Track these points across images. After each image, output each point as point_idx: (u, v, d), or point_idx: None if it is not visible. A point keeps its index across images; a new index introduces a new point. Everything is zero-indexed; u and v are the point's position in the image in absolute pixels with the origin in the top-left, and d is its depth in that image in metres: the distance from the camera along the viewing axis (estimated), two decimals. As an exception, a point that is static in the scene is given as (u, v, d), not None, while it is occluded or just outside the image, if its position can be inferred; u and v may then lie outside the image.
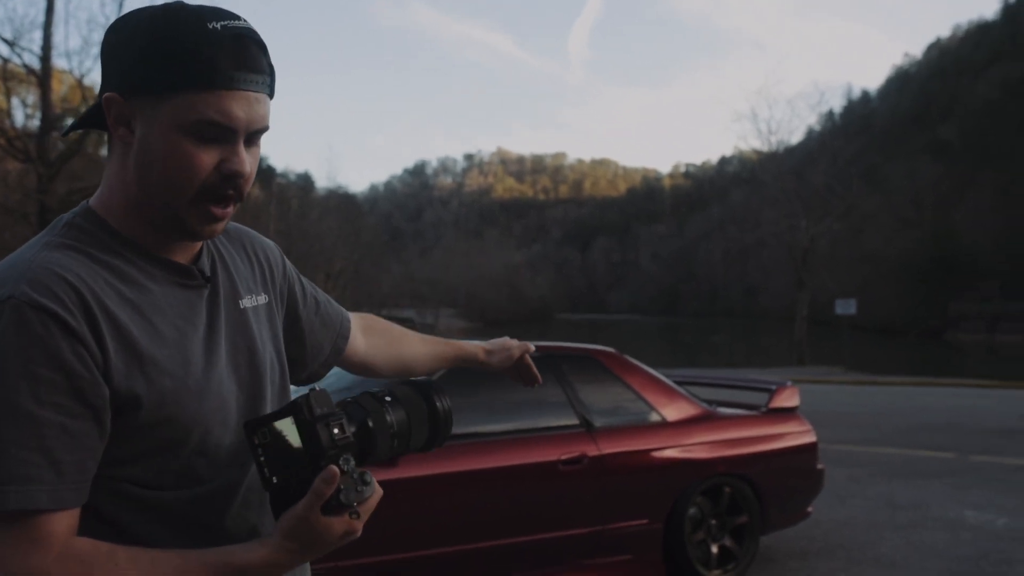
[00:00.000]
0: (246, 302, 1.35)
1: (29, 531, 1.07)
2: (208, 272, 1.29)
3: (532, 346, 1.82)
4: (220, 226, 1.22)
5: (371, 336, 1.69)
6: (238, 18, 1.17)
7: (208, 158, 1.15)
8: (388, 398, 1.25)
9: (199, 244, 1.29)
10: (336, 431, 1.14)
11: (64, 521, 1.10)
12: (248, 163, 1.19)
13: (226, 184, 1.18)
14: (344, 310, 1.65)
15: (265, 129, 1.20)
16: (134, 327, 1.15)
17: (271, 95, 1.20)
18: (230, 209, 1.21)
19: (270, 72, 1.19)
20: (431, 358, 1.76)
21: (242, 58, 1.14)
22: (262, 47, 1.18)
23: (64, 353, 1.08)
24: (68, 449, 1.08)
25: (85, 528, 1.13)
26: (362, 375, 1.70)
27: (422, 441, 1.30)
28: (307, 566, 1.39)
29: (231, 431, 1.24)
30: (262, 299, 1.39)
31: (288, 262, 1.51)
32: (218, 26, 1.13)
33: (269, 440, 1.14)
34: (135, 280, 1.20)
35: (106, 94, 1.19)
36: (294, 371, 1.52)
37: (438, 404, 1.31)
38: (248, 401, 1.29)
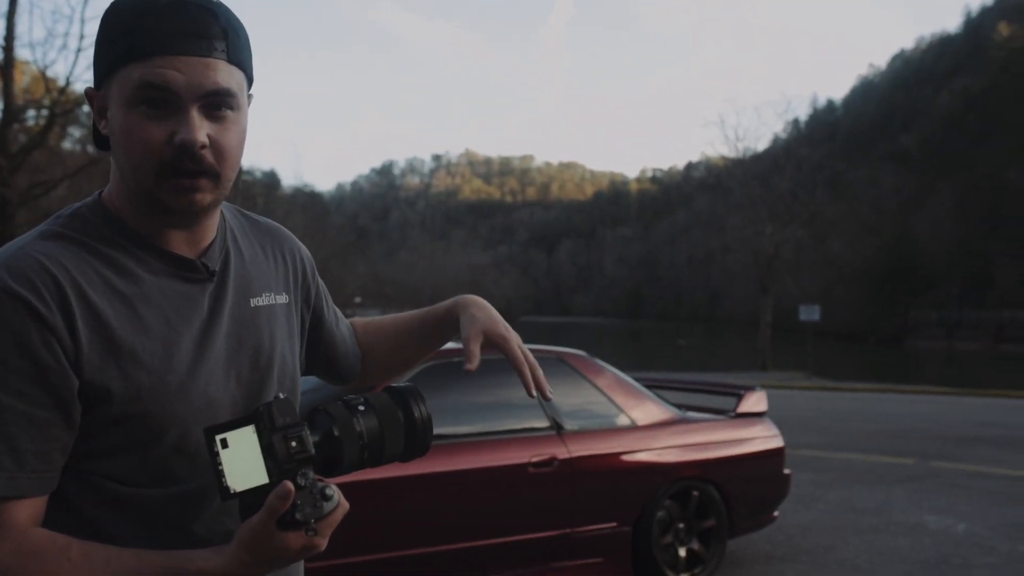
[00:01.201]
0: (260, 300, 1.31)
1: None
2: (215, 267, 1.25)
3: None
4: (200, 197, 1.15)
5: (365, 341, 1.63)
6: None
7: (159, 131, 1.11)
8: (361, 406, 1.20)
9: (206, 235, 1.25)
10: (294, 444, 1.09)
11: (24, 511, 1.08)
12: (202, 131, 1.12)
13: (182, 157, 1.11)
14: (353, 332, 1.60)
15: (224, 94, 1.13)
16: (116, 319, 1.13)
17: (231, 60, 1.14)
18: (201, 181, 1.14)
19: (224, 36, 1.13)
20: (414, 344, 1.59)
21: (179, 22, 1.10)
22: (210, 12, 1.13)
23: (33, 341, 1.06)
24: (31, 438, 1.07)
25: (57, 521, 1.11)
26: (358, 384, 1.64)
27: (398, 450, 1.23)
28: (300, 566, 1.36)
29: None
30: (281, 299, 1.36)
31: (316, 271, 1.48)
32: None
33: (228, 448, 1.10)
34: (130, 271, 1.17)
35: (86, 89, 1.20)
36: (326, 373, 1.54)
37: (415, 412, 1.24)
38: (246, 402, 1.25)
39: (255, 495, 1.09)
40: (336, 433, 1.16)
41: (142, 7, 1.11)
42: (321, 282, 1.50)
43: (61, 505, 1.13)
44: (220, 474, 1.09)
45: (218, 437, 1.09)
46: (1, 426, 1.05)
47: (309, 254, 1.48)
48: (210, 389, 1.20)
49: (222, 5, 1.16)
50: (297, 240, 1.47)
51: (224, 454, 1.09)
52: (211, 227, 1.26)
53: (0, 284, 1.07)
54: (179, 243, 1.22)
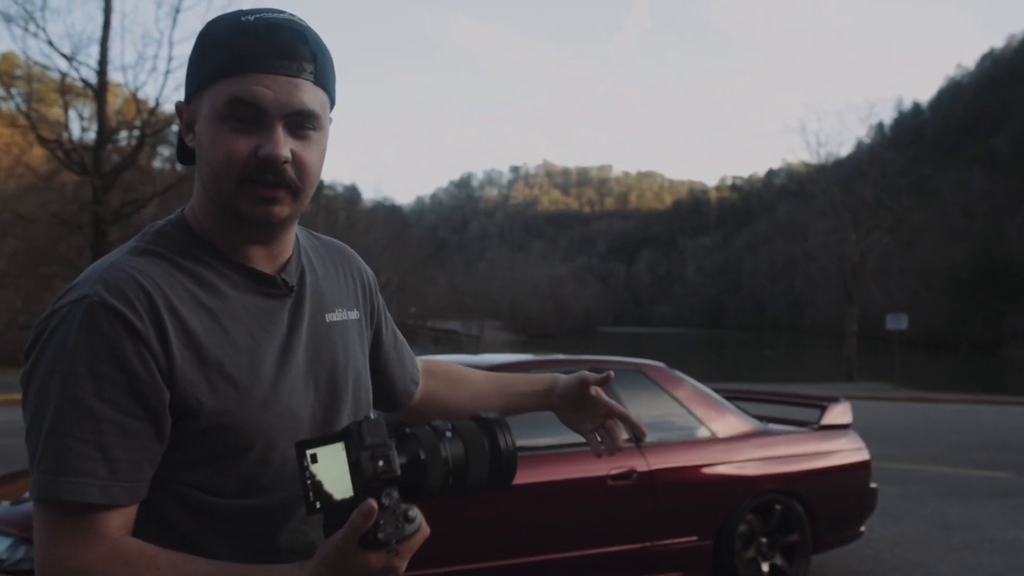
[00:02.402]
0: (334, 316, 1.35)
1: (79, 525, 1.09)
2: (293, 282, 1.29)
3: (611, 373, 1.60)
4: (277, 209, 1.19)
5: (429, 380, 1.65)
6: (280, 12, 1.19)
7: (244, 144, 1.15)
8: (449, 432, 1.21)
9: (284, 251, 1.29)
10: (381, 463, 1.10)
11: (115, 520, 1.11)
12: (286, 147, 1.16)
13: (265, 170, 1.16)
14: (415, 359, 1.63)
15: (309, 114, 1.18)
16: (205, 333, 1.17)
17: (317, 82, 1.19)
18: (280, 193, 1.18)
19: (312, 59, 1.18)
20: (492, 401, 1.64)
21: (272, 43, 1.15)
22: (301, 35, 1.17)
23: (128, 354, 1.10)
24: (124, 448, 1.10)
25: (143, 530, 1.15)
26: (416, 421, 1.62)
27: (482, 479, 1.23)
28: None
29: None
30: (353, 315, 1.39)
31: (378, 289, 1.52)
32: (251, 18, 1.17)
33: (317, 463, 1.12)
34: (214, 286, 1.22)
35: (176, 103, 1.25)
36: (376, 396, 1.52)
37: (501, 442, 1.23)
38: (324, 415, 1.28)
39: (340, 509, 1.10)
40: (422, 457, 1.16)
41: (238, 27, 1.16)
42: (381, 301, 1.52)
43: (147, 514, 1.16)
44: (308, 488, 1.11)
45: (308, 452, 1.11)
46: (96, 435, 1.09)
47: (372, 273, 1.51)
48: (292, 402, 1.23)
49: (311, 29, 1.21)
50: (360, 259, 1.50)
51: (313, 468, 1.10)
52: (288, 243, 1.30)
53: (96, 298, 1.11)
54: (259, 259, 1.26)
